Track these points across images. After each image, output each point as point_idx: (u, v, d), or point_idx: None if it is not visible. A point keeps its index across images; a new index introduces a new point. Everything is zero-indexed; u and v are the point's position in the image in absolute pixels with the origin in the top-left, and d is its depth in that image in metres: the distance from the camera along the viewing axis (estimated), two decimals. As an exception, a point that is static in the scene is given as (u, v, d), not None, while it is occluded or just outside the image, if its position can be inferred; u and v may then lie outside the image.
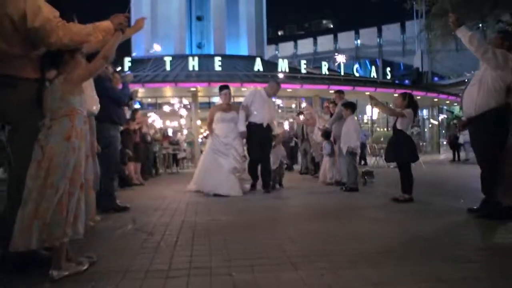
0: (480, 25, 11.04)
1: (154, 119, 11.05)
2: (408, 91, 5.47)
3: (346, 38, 45.76)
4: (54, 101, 2.06)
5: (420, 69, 36.88)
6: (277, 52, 48.11)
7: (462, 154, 14.84)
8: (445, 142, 23.40)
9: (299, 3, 62.57)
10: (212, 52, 25.98)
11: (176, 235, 2.97)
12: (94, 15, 2.42)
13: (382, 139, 14.09)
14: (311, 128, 8.51)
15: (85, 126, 2.19)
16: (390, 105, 7.11)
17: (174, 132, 14.61)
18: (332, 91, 10.18)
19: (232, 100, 6.48)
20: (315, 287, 1.86)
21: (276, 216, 3.82)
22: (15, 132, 2.14)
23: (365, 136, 13.92)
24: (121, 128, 4.95)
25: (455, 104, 27.37)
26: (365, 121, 24.98)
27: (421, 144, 15.40)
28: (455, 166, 12.50)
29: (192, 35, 28.74)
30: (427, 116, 27.61)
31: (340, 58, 9.31)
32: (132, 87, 5.57)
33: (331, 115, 7.12)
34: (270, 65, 22.14)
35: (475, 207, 3.71)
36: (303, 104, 10.87)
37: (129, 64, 18.80)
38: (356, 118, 6.97)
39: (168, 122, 15.82)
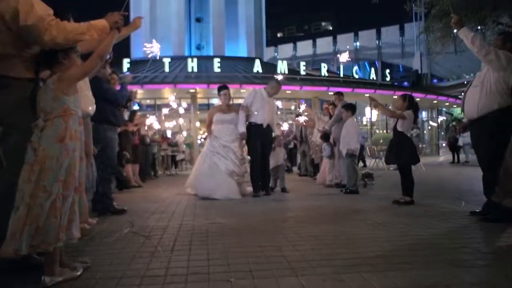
0: (479, 27, 11.04)
1: (152, 122, 10.99)
2: (408, 93, 5.43)
3: (345, 40, 45.77)
4: (47, 101, 1.99)
5: (419, 71, 37.02)
6: (276, 53, 48.17)
7: (462, 156, 14.83)
8: (444, 144, 23.39)
9: (298, 5, 62.67)
10: (211, 54, 26.04)
11: (174, 239, 2.92)
12: (93, 14, 2.36)
13: (381, 141, 14.06)
14: (311, 130, 8.47)
15: (80, 127, 2.13)
16: (390, 107, 7.08)
17: (173, 134, 14.55)
18: (332, 93, 10.16)
19: (231, 102, 6.41)
20: (316, 294, 1.80)
21: (276, 219, 3.76)
22: (7, 134, 2.08)
23: (364, 138, 13.88)
24: (119, 129, 4.90)
25: (455, 106, 27.45)
26: (364, 123, 24.96)
27: (420, 146, 15.36)
28: (455, 168, 12.47)
29: (191, 36, 28.80)
30: (426, 118, 27.63)
31: (344, 58, 9.22)
32: (131, 88, 5.51)
33: (331, 116, 7.07)
34: (269, 67, 22.14)
35: (477, 210, 3.67)
36: (303, 106, 10.81)
37: (128, 65, 18.80)
38: (355, 120, 6.92)
39: (166, 124, 15.75)
